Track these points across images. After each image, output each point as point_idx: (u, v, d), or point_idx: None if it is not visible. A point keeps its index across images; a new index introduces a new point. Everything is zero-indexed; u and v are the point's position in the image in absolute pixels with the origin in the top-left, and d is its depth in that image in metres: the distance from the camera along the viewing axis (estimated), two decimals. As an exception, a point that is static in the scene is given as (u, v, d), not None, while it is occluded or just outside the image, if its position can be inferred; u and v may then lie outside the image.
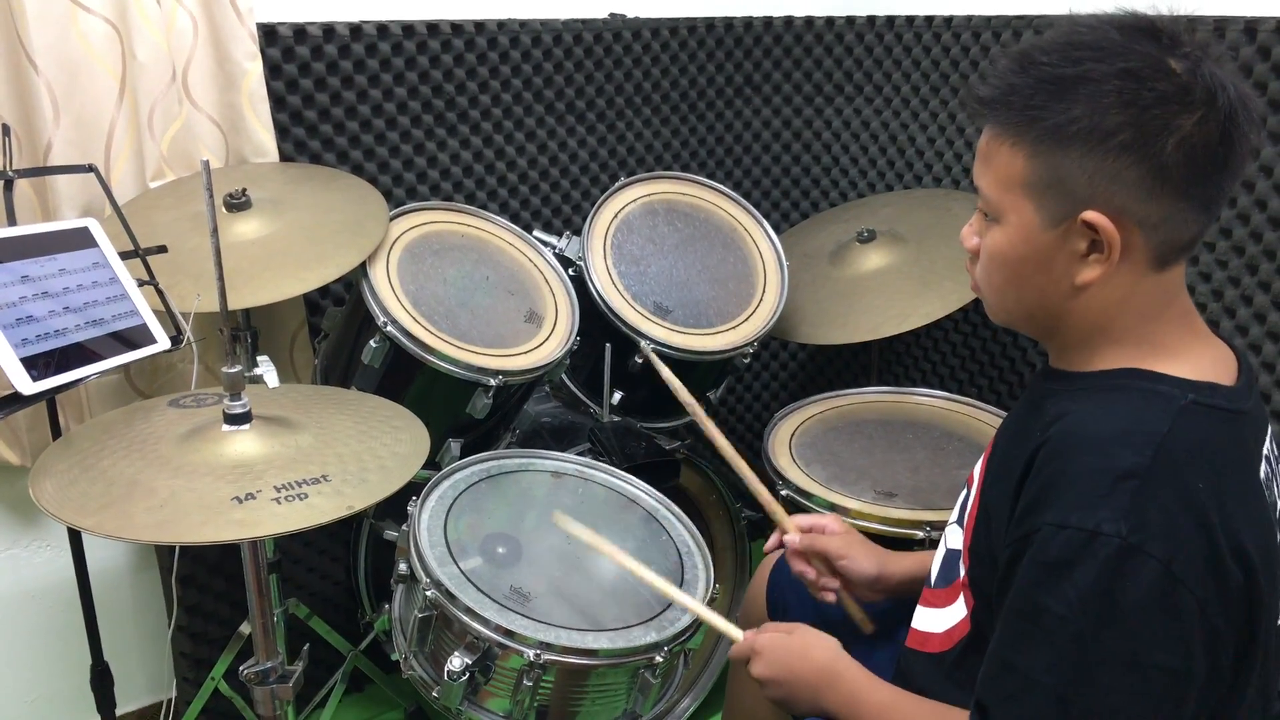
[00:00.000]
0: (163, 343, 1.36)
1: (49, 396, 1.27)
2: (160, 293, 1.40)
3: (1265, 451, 1.04)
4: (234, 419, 1.17)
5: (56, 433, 1.52)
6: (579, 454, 1.76)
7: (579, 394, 1.97)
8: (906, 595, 1.34)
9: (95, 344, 1.28)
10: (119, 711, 1.88)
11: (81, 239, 1.34)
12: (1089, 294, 1.00)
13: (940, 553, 1.22)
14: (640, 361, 1.84)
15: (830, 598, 1.38)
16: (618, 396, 1.91)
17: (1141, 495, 0.90)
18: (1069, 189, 0.95)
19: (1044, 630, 0.93)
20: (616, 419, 1.92)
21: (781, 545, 1.41)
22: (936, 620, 1.19)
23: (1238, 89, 0.94)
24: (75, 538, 1.55)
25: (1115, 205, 0.94)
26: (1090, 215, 0.95)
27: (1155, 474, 0.91)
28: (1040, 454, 0.98)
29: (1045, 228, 0.98)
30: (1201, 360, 1.01)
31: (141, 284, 1.39)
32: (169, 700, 1.97)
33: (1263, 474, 1.02)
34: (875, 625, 1.39)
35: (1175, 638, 0.90)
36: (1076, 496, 0.92)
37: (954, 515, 1.22)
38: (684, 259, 1.97)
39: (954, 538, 1.19)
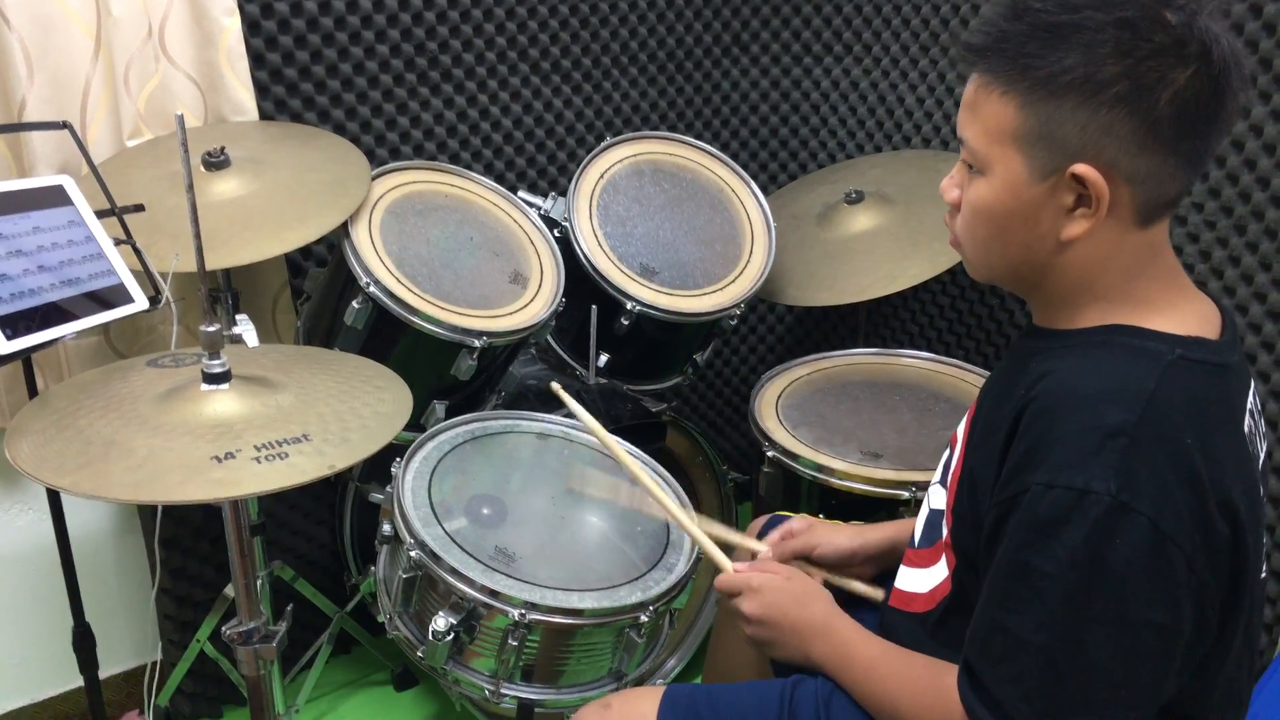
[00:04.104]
0: (140, 303, 1.34)
1: (24, 356, 1.25)
2: (137, 251, 1.38)
3: (1248, 405, 1.04)
4: (213, 378, 1.16)
5: (34, 394, 1.50)
6: (565, 416, 1.75)
7: (565, 356, 1.96)
8: (891, 563, 1.34)
9: (71, 303, 1.26)
10: (105, 674, 1.88)
11: (56, 197, 1.32)
12: (1074, 249, 0.99)
13: (924, 513, 1.22)
14: (626, 324, 1.83)
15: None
16: (604, 359, 1.90)
17: (1130, 453, 0.90)
18: (1059, 141, 0.94)
19: (1033, 590, 0.94)
20: (602, 381, 1.91)
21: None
22: (919, 580, 1.19)
23: (1230, 44, 0.92)
24: (55, 498, 1.54)
25: (1105, 159, 0.93)
26: (1080, 168, 0.94)
27: (1144, 431, 0.91)
28: (1026, 413, 0.97)
29: (1033, 181, 0.97)
30: (1186, 315, 1.01)
31: (118, 243, 1.37)
32: (154, 663, 1.97)
33: (1246, 427, 1.02)
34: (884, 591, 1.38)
35: (1164, 594, 0.91)
36: (1065, 455, 0.92)
37: (937, 475, 1.22)
38: (670, 220, 1.95)
39: (937, 498, 1.19)
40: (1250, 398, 1.05)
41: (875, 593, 1.37)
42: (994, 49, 0.96)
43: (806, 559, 1.37)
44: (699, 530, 1.35)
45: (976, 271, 1.09)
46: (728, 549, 1.35)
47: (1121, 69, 0.91)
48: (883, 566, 1.35)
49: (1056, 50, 0.92)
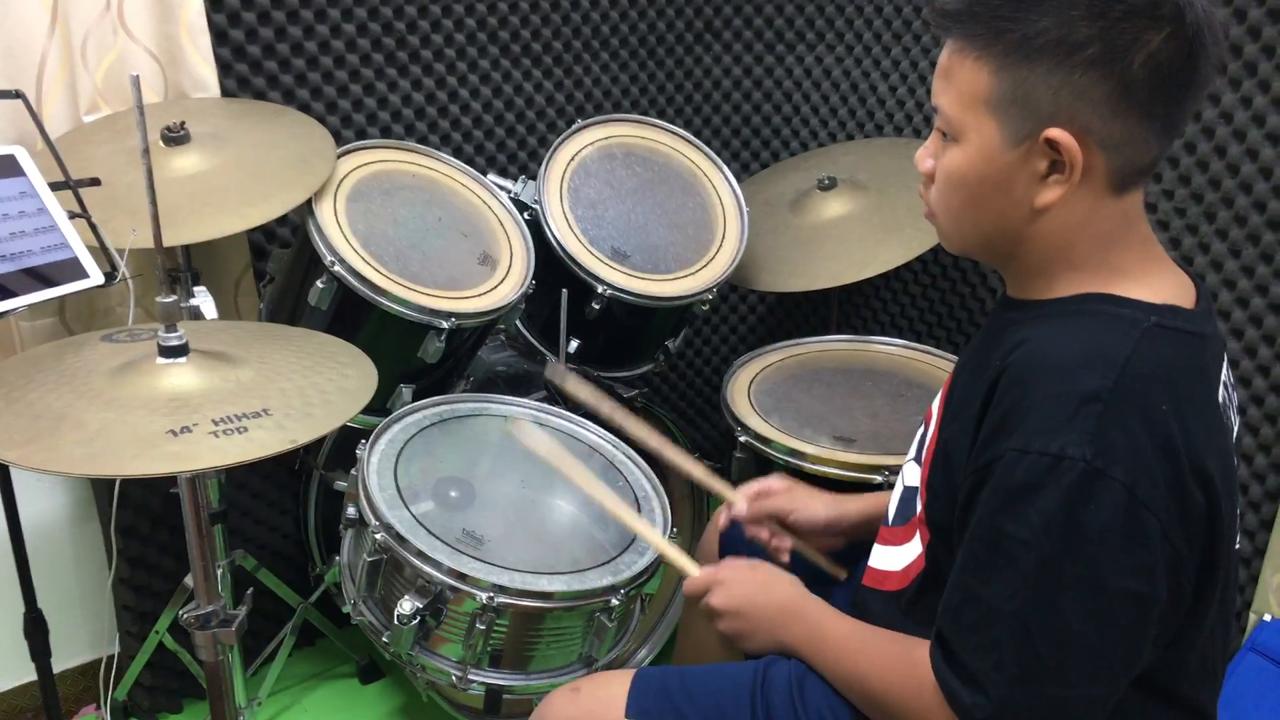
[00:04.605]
0: (95, 278, 1.30)
1: (-28, 329, 1.20)
2: (93, 226, 1.34)
3: (1222, 378, 1.03)
4: (169, 351, 1.12)
5: (-15, 374, 1.45)
6: (539, 400, 1.73)
7: (535, 342, 1.93)
8: (866, 537, 1.33)
9: (22, 276, 1.22)
10: (60, 668, 1.83)
11: (7, 167, 1.28)
12: (1048, 217, 0.98)
13: (898, 490, 1.21)
14: (597, 308, 1.80)
15: (784, 557, 1.36)
16: (574, 345, 1.87)
17: (1105, 418, 0.89)
18: (1033, 106, 0.93)
19: (1006, 557, 0.92)
20: (573, 367, 1.88)
21: (733, 521, 1.39)
22: (893, 558, 1.17)
23: (1205, 7, 0.92)
24: (5, 479, 1.49)
25: (1079, 123, 0.93)
26: (1054, 133, 0.93)
27: (1119, 397, 0.90)
28: (1001, 381, 0.96)
29: (1007, 147, 0.96)
30: (1162, 284, 1.00)
31: (73, 216, 1.33)
32: (111, 656, 1.92)
33: (1220, 399, 1.01)
34: (848, 570, 1.38)
35: (1138, 561, 0.90)
36: (1040, 421, 0.91)
37: (911, 453, 1.21)
38: (642, 203, 1.93)
39: (911, 475, 1.18)
40: (1224, 370, 1.04)
41: (839, 571, 1.37)
42: (968, 13, 0.95)
43: (780, 523, 1.36)
44: (661, 539, 1.34)
45: (951, 243, 1.08)
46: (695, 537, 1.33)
47: (1094, 31, 0.90)
48: (857, 539, 1.34)
49: (1030, 13, 0.92)
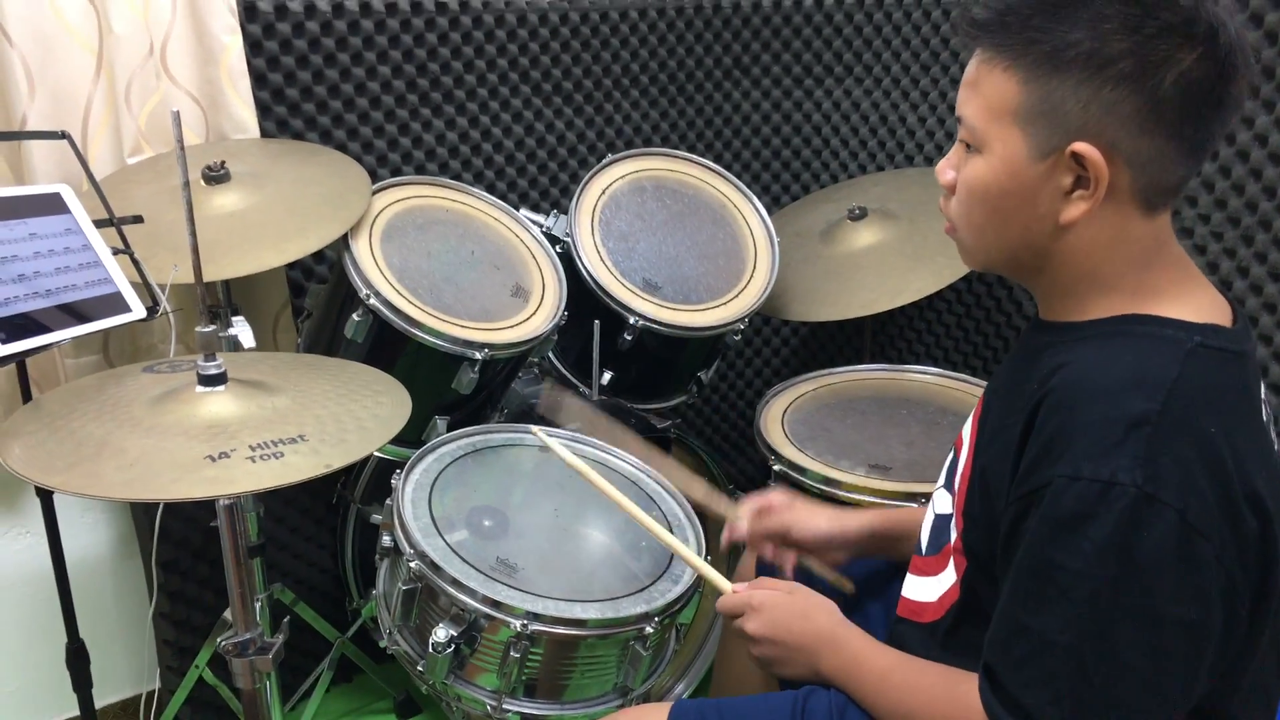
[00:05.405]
0: (137, 311, 1.33)
1: (19, 360, 1.24)
2: (135, 261, 1.37)
3: (1262, 394, 1.02)
4: (208, 380, 1.14)
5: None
6: (573, 430, 1.73)
7: (568, 375, 1.94)
8: (871, 553, 1.33)
9: (67, 310, 1.25)
10: (101, 703, 1.85)
11: (53, 204, 1.32)
12: (1074, 234, 0.97)
13: (929, 519, 1.19)
14: (629, 339, 1.81)
15: (788, 570, 1.34)
16: (607, 376, 1.88)
17: (1155, 442, 0.87)
18: (1061, 118, 0.92)
19: (1058, 588, 0.90)
20: (605, 398, 1.89)
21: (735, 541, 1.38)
22: (928, 589, 1.15)
23: (1238, 30, 0.91)
24: (50, 515, 1.51)
25: (1106, 139, 0.92)
26: (1080, 147, 0.92)
27: (1168, 420, 0.88)
28: (1043, 406, 0.94)
29: (1032, 160, 0.95)
30: (1200, 303, 0.98)
31: (116, 253, 1.36)
32: (152, 691, 1.93)
33: (1265, 415, 0.99)
34: (855, 586, 1.35)
35: (1193, 589, 0.87)
36: (1088, 447, 0.89)
37: (941, 480, 1.19)
38: (673, 235, 1.94)
39: (943, 503, 1.16)
40: (1262, 387, 1.03)
41: (845, 584, 1.35)
42: (999, 23, 0.95)
43: (782, 539, 1.34)
44: (694, 555, 1.33)
45: (973, 259, 1.06)
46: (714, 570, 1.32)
47: (1128, 45, 0.89)
48: (860, 555, 1.33)
49: (1062, 24, 0.91)
